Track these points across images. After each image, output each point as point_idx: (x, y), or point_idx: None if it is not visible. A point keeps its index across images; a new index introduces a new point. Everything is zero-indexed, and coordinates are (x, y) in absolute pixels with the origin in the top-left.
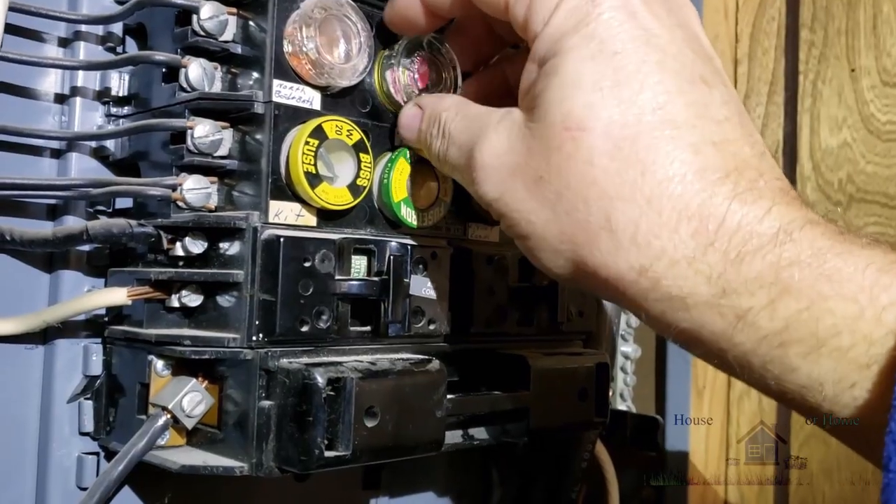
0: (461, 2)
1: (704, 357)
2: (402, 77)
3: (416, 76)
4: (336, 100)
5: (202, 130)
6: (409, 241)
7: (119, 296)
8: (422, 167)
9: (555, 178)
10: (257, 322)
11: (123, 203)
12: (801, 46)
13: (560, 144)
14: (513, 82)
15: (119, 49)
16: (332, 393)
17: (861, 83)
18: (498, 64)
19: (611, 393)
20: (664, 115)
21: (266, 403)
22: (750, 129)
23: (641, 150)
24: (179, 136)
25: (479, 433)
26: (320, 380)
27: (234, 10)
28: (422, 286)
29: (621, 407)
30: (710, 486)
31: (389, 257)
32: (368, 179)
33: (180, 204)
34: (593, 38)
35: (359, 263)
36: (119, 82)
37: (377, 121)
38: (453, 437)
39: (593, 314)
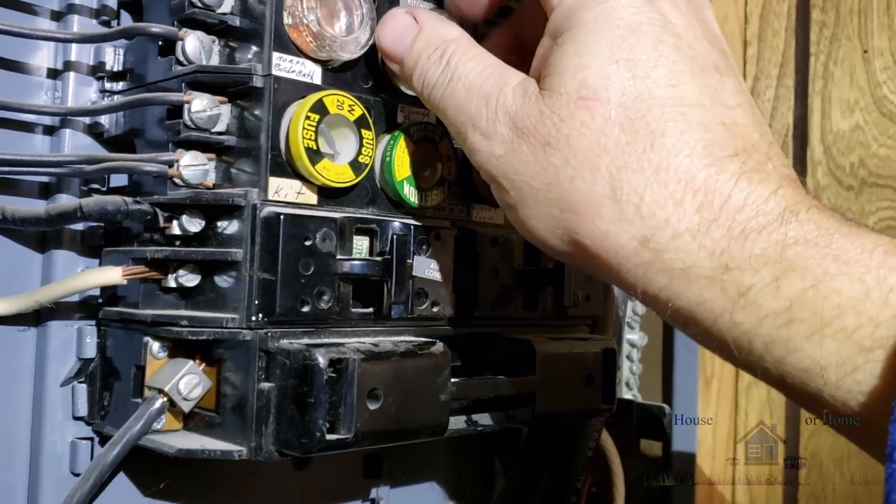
0: None
1: (700, 338)
2: None
3: None
4: (337, 74)
5: (200, 104)
6: (412, 222)
7: (114, 275)
8: (425, 145)
9: (563, 146)
10: (257, 302)
11: (118, 181)
12: (812, 27)
13: (573, 112)
14: (527, 44)
15: (114, 23)
16: (333, 374)
17: (874, 64)
18: (509, 25)
19: (616, 381)
20: (676, 92)
21: (265, 385)
22: (760, 119)
23: (652, 122)
24: (176, 111)
25: (483, 419)
26: (322, 360)
27: None
28: (425, 267)
29: (627, 395)
30: (717, 474)
31: (392, 237)
32: (370, 157)
33: (177, 181)
34: (611, 14)
35: (360, 244)
36: (114, 57)
37: (379, 97)
38: (457, 422)
39: (600, 299)
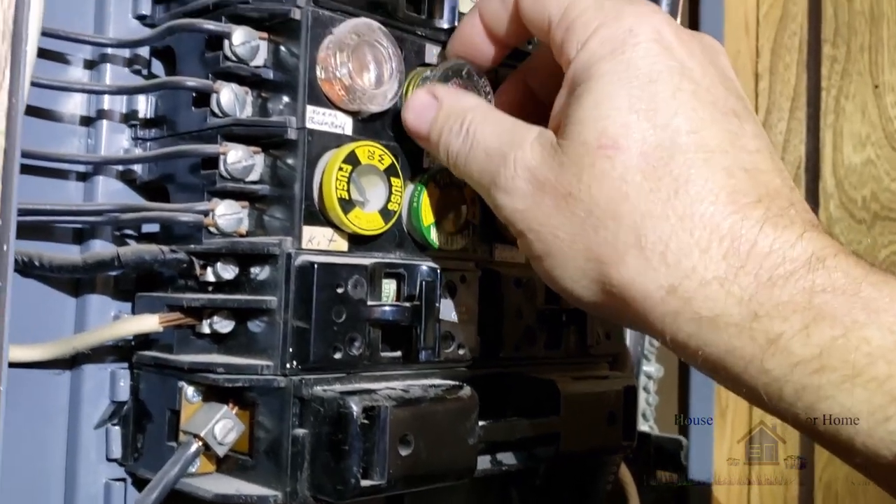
0: (518, 29)
1: (730, 384)
2: None
3: None
4: (366, 124)
5: (235, 156)
6: (439, 265)
7: (151, 323)
8: (451, 190)
9: (585, 195)
10: (291, 349)
11: (151, 226)
12: (824, 62)
13: (593, 161)
14: (538, 92)
15: (145, 71)
16: (366, 421)
17: (885, 100)
18: (520, 74)
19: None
20: (698, 139)
21: (300, 432)
22: (780, 164)
23: (675, 169)
24: (211, 161)
25: (507, 458)
26: (355, 408)
27: (265, 35)
28: (451, 310)
29: (644, 427)
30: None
31: (421, 282)
32: (399, 204)
33: (212, 229)
34: (629, 66)
35: (387, 287)
36: (146, 105)
37: (406, 144)
38: (482, 462)
39: (620, 336)
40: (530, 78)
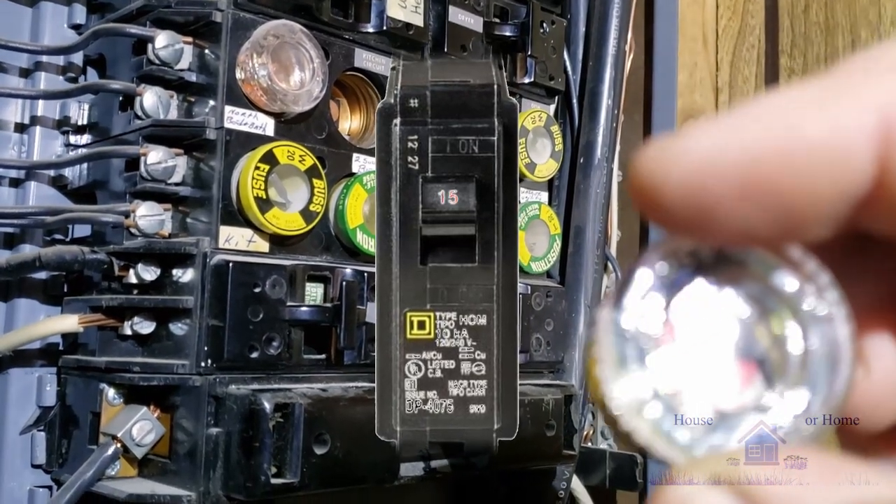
0: None
1: None
2: None
3: None
4: (291, 126)
5: (155, 157)
6: (366, 268)
7: (70, 323)
8: None
9: None
10: (206, 348)
11: (81, 231)
12: (782, 73)
13: None
14: None
15: (80, 79)
16: (280, 419)
17: None
18: None
19: (591, 430)
20: None
21: (214, 430)
22: None
23: None
24: (134, 163)
25: (441, 465)
26: (267, 405)
27: (189, 38)
28: None
29: (602, 445)
30: None
31: (342, 283)
32: (322, 205)
33: (133, 231)
34: None
35: (315, 291)
36: (78, 111)
37: (334, 147)
38: (415, 468)
39: (561, 345)
40: None
